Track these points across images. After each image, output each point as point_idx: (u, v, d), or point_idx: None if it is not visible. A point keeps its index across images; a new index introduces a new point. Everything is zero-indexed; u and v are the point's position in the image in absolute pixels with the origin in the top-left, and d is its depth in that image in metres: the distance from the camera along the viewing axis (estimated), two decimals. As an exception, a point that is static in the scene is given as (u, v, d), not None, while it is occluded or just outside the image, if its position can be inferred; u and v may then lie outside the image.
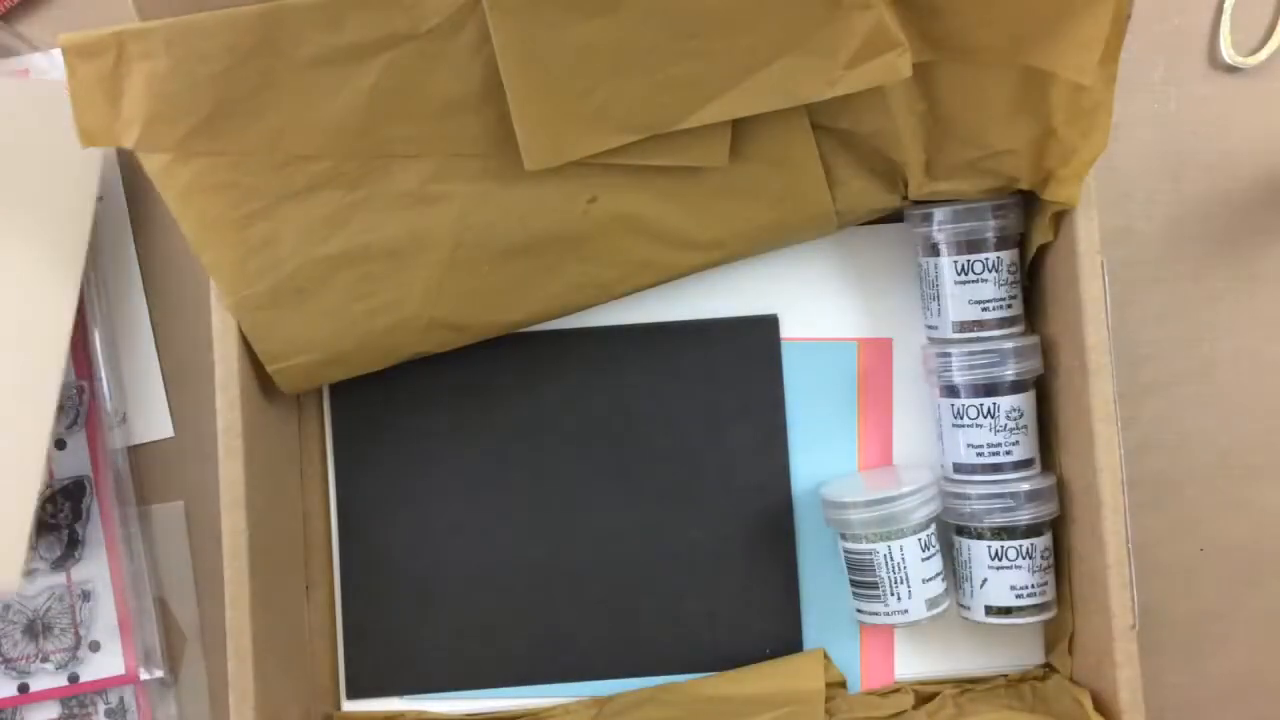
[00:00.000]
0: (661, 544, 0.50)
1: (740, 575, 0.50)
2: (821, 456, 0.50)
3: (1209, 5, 0.55)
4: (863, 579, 0.48)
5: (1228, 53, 0.55)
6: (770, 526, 0.50)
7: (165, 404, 0.56)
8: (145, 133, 0.42)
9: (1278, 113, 0.55)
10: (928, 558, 0.47)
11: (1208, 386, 0.55)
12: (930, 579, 0.47)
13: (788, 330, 0.51)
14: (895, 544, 0.47)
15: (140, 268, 0.56)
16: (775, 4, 0.40)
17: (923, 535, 0.47)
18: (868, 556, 0.47)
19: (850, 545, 0.48)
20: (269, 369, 0.48)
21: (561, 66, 0.40)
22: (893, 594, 0.47)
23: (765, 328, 0.50)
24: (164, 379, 0.56)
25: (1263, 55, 0.55)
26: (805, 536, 0.51)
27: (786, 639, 0.50)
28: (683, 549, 0.50)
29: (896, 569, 0.47)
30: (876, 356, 0.51)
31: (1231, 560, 0.54)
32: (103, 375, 0.54)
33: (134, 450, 0.56)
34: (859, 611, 0.49)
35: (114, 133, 0.43)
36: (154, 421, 0.56)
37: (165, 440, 0.56)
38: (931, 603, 0.47)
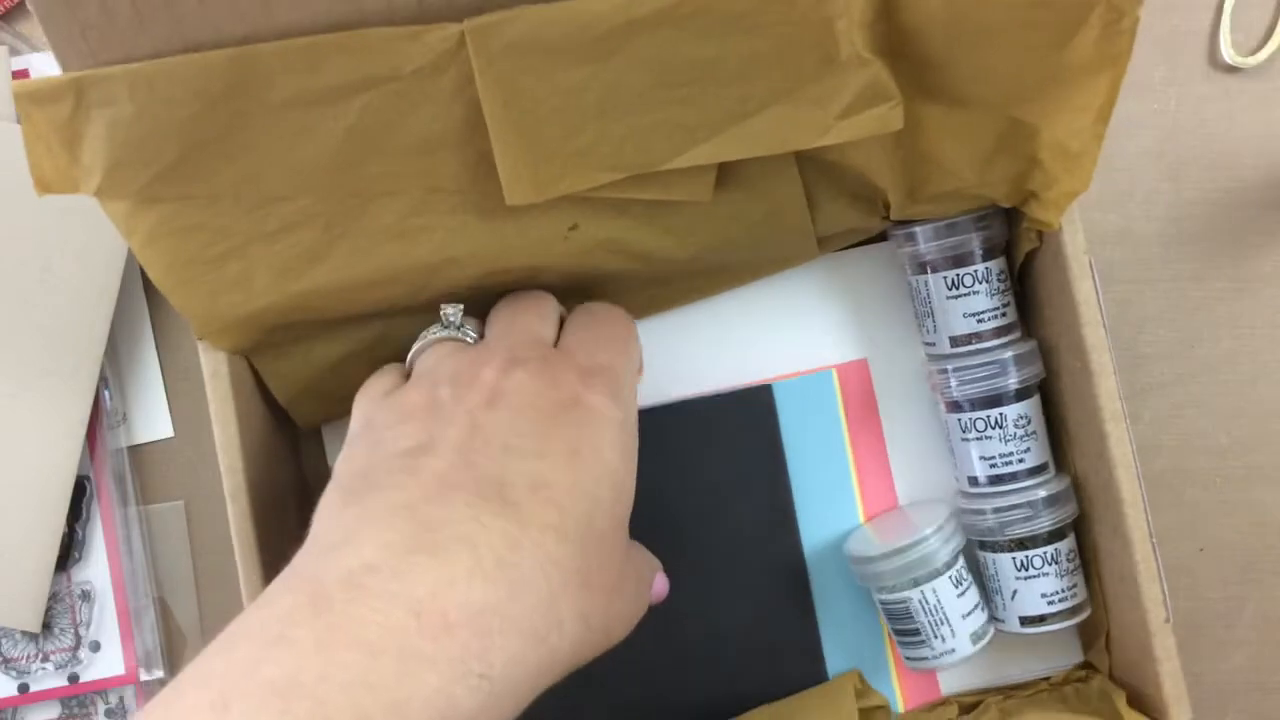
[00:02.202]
0: (679, 630, 0.49)
1: (763, 647, 0.49)
2: (823, 495, 0.50)
3: (1209, 5, 0.55)
4: (904, 627, 0.47)
5: (1228, 53, 0.55)
6: (788, 594, 0.49)
7: (165, 404, 0.56)
8: (107, 180, 0.40)
9: (1278, 113, 0.55)
10: (962, 592, 0.47)
11: (1208, 387, 0.55)
12: (969, 613, 0.47)
13: (770, 369, 0.50)
14: (928, 587, 0.46)
15: (140, 268, 0.55)
16: (769, 58, 0.39)
17: (953, 572, 0.46)
18: (903, 605, 0.46)
19: (884, 596, 0.47)
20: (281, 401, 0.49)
21: (547, 109, 0.39)
22: (936, 636, 0.46)
23: (760, 399, 0.49)
24: (164, 379, 0.56)
25: (1263, 55, 0.55)
26: (821, 591, 0.50)
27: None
28: (699, 632, 0.49)
29: (934, 611, 0.46)
30: (855, 379, 0.50)
31: (1231, 560, 0.54)
32: (103, 375, 0.54)
33: (134, 450, 0.56)
34: (908, 659, 0.48)
35: (73, 180, 0.40)
36: (154, 421, 0.56)
37: (165, 440, 0.56)
38: (976, 636, 0.47)
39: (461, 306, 0.44)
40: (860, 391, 0.50)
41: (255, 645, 0.30)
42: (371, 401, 0.41)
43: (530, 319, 0.42)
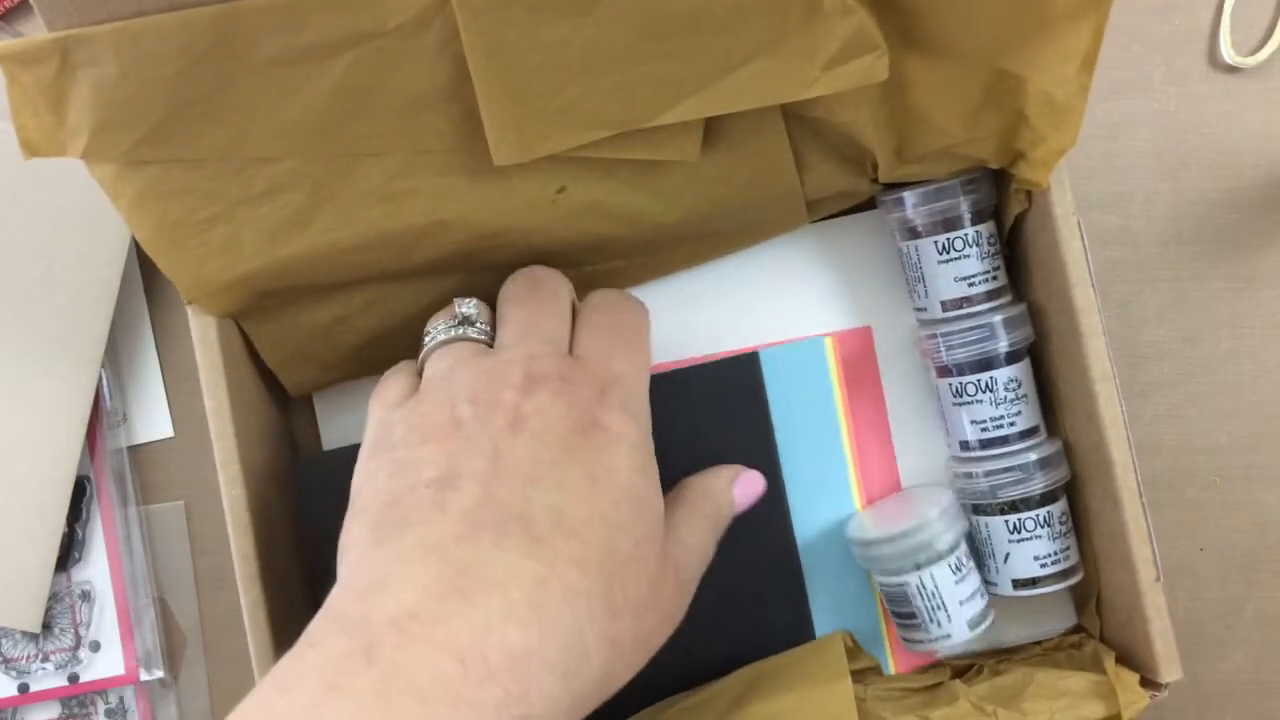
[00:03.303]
0: None
1: (752, 624, 0.49)
2: (813, 468, 0.49)
3: (1209, 5, 0.55)
4: (901, 610, 0.47)
5: (1228, 53, 0.55)
6: (776, 567, 0.49)
7: (165, 404, 0.56)
8: (93, 142, 0.40)
9: (1278, 113, 0.55)
10: (961, 579, 0.47)
11: (1208, 386, 0.55)
12: (968, 599, 0.47)
13: (760, 335, 0.50)
14: (926, 572, 0.46)
15: (140, 267, 0.56)
16: (753, 8, 0.39)
17: (952, 558, 0.46)
18: (901, 589, 0.46)
19: (883, 579, 0.47)
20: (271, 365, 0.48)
21: (532, 64, 0.39)
22: (932, 621, 0.46)
23: (746, 367, 0.48)
24: (164, 379, 0.56)
25: (1263, 55, 0.55)
26: (812, 568, 0.49)
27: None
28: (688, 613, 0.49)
29: (931, 597, 0.46)
30: (856, 346, 0.50)
31: (1231, 560, 0.54)
32: (103, 375, 0.54)
33: (134, 450, 0.56)
34: (905, 640, 0.48)
35: (59, 143, 0.40)
36: (154, 421, 0.56)
37: (165, 440, 0.56)
38: (973, 622, 0.47)
39: (475, 301, 0.44)
40: (860, 360, 0.49)
41: (313, 691, 0.30)
42: (388, 410, 0.41)
43: (546, 320, 0.42)
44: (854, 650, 0.49)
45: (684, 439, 0.47)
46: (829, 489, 0.49)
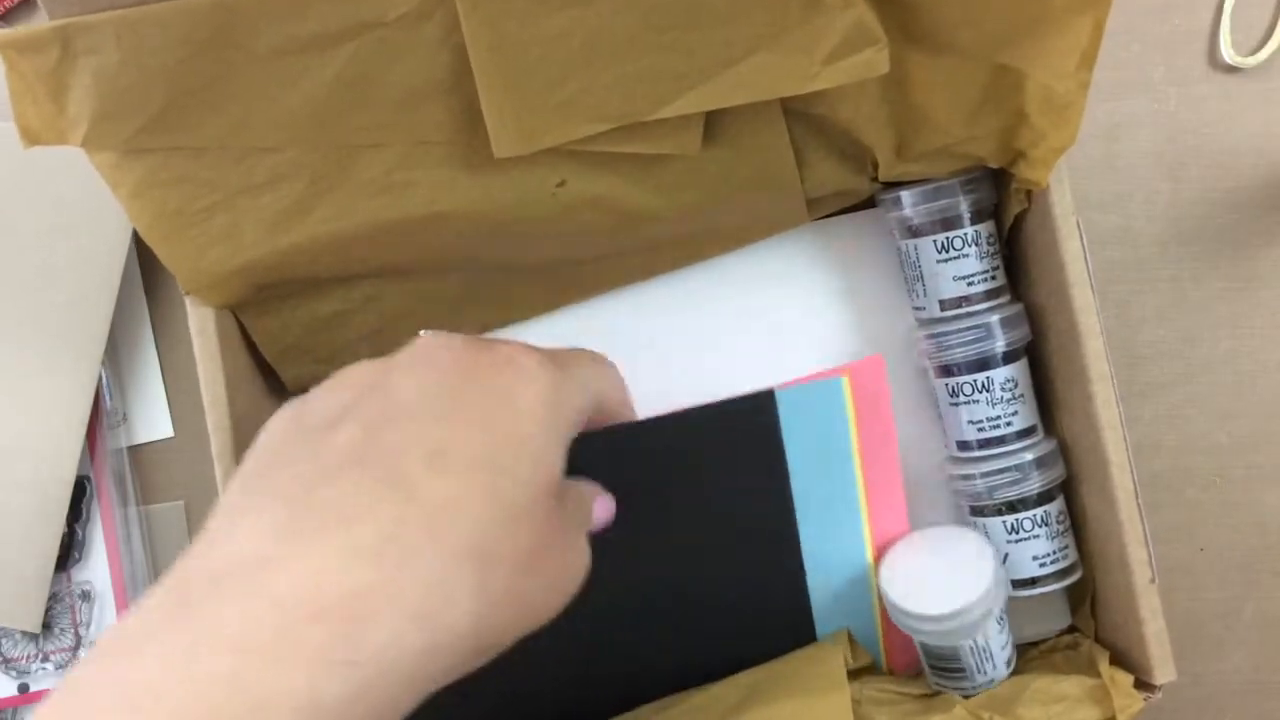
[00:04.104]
0: (679, 640, 0.48)
1: (756, 630, 0.48)
2: (827, 510, 0.48)
3: (1209, 5, 0.55)
4: (948, 666, 0.46)
5: (1228, 53, 0.55)
6: (786, 603, 0.48)
7: (165, 404, 0.56)
8: (93, 130, 0.40)
9: (1278, 113, 0.55)
10: (1003, 626, 0.46)
11: (1208, 387, 0.55)
12: (1007, 644, 0.47)
13: (760, 336, 0.50)
14: (979, 634, 0.45)
15: (140, 266, 0.56)
16: (753, 1, 0.39)
17: (998, 612, 0.45)
18: (953, 651, 0.46)
19: (930, 644, 0.46)
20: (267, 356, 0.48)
21: (533, 56, 0.39)
22: (979, 672, 0.46)
23: (762, 409, 0.46)
24: (164, 379, 0.56)
25: (1263, 55, 0.55)
26: (819, 597, 0.49)
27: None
28: (700, 640, 0.48)
29: (982, 652, 0.46)
30: (869, 381, 0.47)
31: (1231, 560, 0.54)
32: (103, 375, 0.54)
33: (134, 450, 0.56)
34: (939, 685, 0.48)
35: (59, 131, 0.40)
36: (154, 421, 0.56)
37: (165, 440, 0.56)
38: (1010, 660, 0.47)
39: None
40: (874, 396, 0.47)
41: (122, 652, 0.29)
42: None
43: None
44: (851, 649, 0.48)
45: (696, 477, 0.46)
46: (842, 530, 0.48)
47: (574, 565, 0.37)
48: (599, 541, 0.39)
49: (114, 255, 0.54)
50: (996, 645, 0.46)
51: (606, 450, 0.41)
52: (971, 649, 0.46)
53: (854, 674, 0.48)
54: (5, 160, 0.53)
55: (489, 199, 0.44)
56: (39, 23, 0.38)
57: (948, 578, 0.46)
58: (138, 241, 0.55)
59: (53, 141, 0.40)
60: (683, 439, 0.44)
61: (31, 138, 0.40)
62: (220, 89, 0.40)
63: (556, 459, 0.35)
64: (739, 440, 0.47)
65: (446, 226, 0.44)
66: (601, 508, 0.41)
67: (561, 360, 0.37)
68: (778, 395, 0.46)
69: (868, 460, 0.48)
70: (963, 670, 0.46)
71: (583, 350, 0.41)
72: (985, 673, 0.46)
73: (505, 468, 0.33)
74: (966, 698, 0.47)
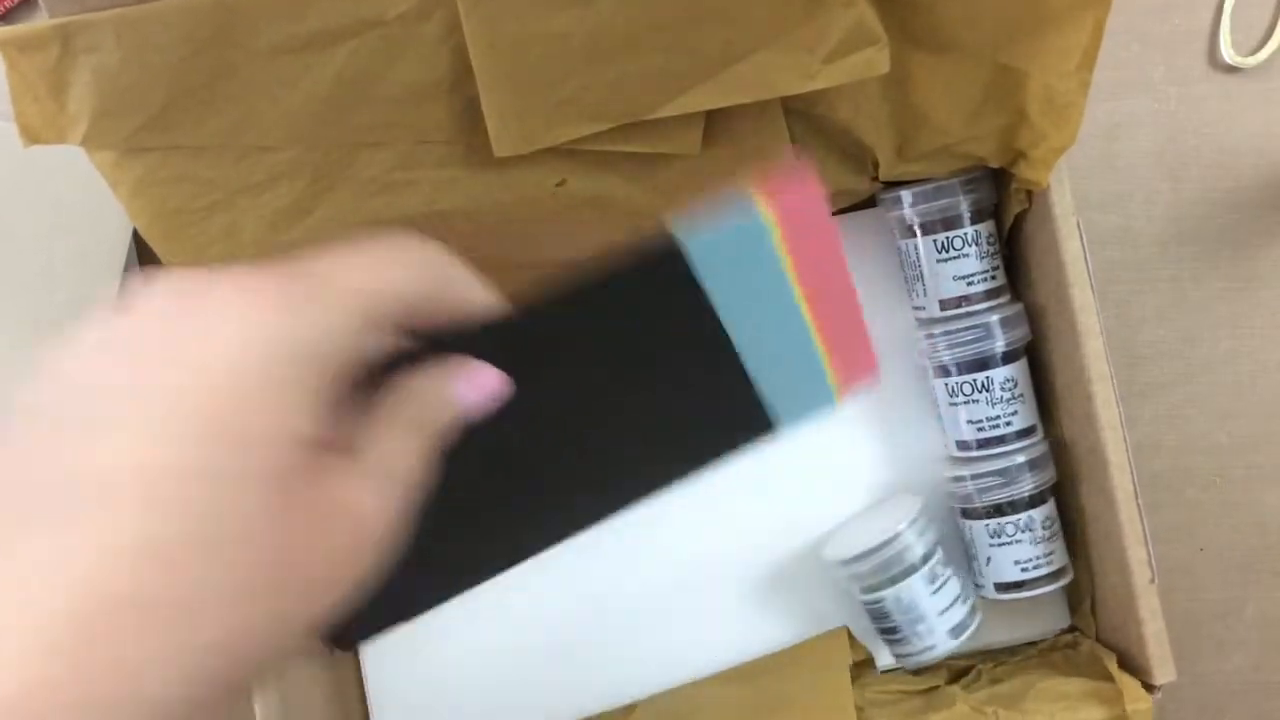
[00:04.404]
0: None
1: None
2: (775, 349, 0.36)
3: (1209, 5, 0.55)
4: (884, 626, 0.47)
5: (1228, 53, 0.55)
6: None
7: (165, 403, 0.56)
8: (93, 129, 0.40)
9: (1278, 113, 0.55)
10: (938, 589, 0.46)
11: (1208, 387, 0.55)
12: (947, 609, 0.47)
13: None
14: (902, 585, 0.46)
15: (140, 266, 0.55)
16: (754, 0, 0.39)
17: (926, 568, 0.46)
18: (880, 605, 0.47)
19: (864, 597, 0.47)
20: None
21: (533, 55, 0.39)
22: (914, 633, 0.47)
23: (670, 261, 0.35)
24: (164, 378, 0.56)
25: (1263, 55, 0.55)
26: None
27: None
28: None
29: (908, 610, 0.46)
30: (800, 206, 0.33)
31: (1231, 560, 0.54)
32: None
33: (134, 449, 0.55)
34: (897, 656, 0.48)
35: (59, 129, 0.40)
36: (154, 421, 0.56)
37: (165, 439, 0.56)
38: (955, 630, 0.47)
39: None
40: (810, 220, 0.34)
41: None
42: None
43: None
44: (851, 644, 0.49)
45: (617, 361, 0.36)
46: (798, 368, 0.36)
47: (367, 521, 0.28)
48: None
49: (114, 255, 0.54)
50: (929, 608, 0.46)
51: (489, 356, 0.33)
52: (896, 603, 0.46)
53: (855, 676, 0.48)
54: (5, 160, 0.53)
55: (489, 197, 0.44)
56: (39, 21, 0.38)
57: (868, 528, 0.48)
58: (138, 241, 0.55)
59: (53, 140, 0.40)
60: (586, 319, 0.35)
61: (31, 136, 0.40)
62: (220, 87, 0.40)
63: (292, 417, 0.26)
64: (655, 305, 0.36)
65: (446, 224, 0.44)
66: (472, 385, 0.32)
67: (308, 271, 0.28)
68: (691, 246, 0.35)
69: (816, 302, 0.36)
70: (897, 629, 0.47)
71: (365, 241, 0.30)
72: (921, 637, 0.46)
73: (191, 423, 0.25)
74: (917, 673, 0.48)
